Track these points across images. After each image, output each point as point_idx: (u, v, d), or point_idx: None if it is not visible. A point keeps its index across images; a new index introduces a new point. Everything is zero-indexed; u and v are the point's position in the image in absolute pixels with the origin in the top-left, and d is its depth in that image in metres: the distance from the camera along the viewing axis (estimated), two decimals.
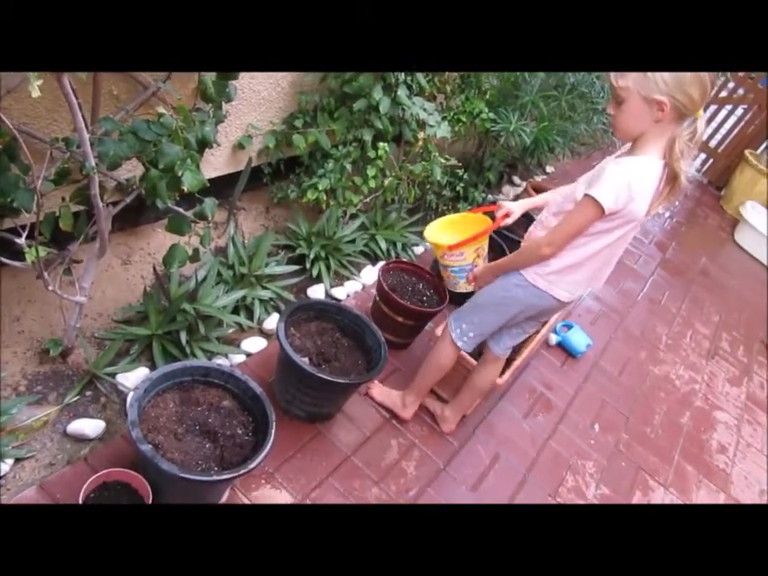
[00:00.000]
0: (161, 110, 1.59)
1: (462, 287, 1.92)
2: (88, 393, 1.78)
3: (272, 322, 2.22)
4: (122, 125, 1.53)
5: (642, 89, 1.41)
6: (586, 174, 1.63)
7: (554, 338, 2.90)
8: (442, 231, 1.98)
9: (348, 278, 2.65)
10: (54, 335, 1.81)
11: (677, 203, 5.37)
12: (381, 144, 2.49)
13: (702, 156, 6.26)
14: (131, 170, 1.93)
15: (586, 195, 1.51)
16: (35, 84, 1.15)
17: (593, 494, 2.31)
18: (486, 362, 2.03)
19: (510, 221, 1.87)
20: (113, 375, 1.82)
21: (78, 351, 1.83)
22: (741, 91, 5.91)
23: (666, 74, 1.37)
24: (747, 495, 2.69)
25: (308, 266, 2.52)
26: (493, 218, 1.93)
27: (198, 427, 1.60)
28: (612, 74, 1.46)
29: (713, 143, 6.19)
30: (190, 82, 1.94)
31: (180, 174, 1.50)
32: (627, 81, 1.42)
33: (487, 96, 3.04)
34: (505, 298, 1.78)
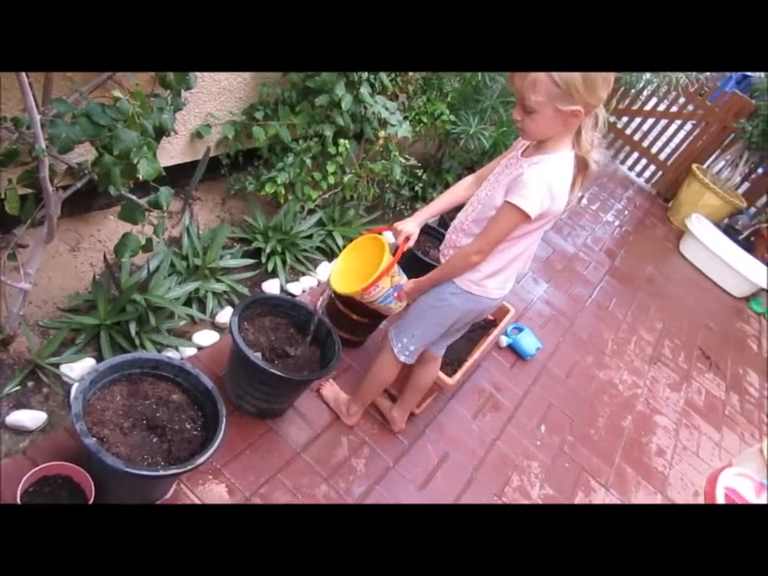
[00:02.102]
0: (117, 94, 1.54)
1: (396, 308, 1.86)
2: (30, 383, 1.72)
3: (225, 315, 2.18)
4: (75, 107, 1.48)
5: (556, 102, 1.39)
6: (500, 177, 1.61)
7: (504, 340, 2.95)
8: (344, 270, 1.85)
9: (304, 274, 2.63)
10: None
11: (626, 213, 5.54)
12: (341, 140, 2.49)
13: (652, 168, 6.46)
14: (83, 153, 1.86)
15: (508, 203, 1.51)
16: None
17: (537, 493, 2.37)
18: (425, 362, 2.02)
19: (410, 244, 1.80)
20: (57, 365, 1.76)
21: (20, 339, 1.77)
22: (690, 107, 6.13)
23: (579, 82, 1.35)
24: (683, 496, 2.79)
25: (264, 260, 2.49)
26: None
27: (145, 421, 1.57)
28: (525, 89, 1.40)
29: (662, 156, 6.39)
30: None
31: (135, 161, 1.46)
32: (540, 95, 1.39)
33: (449, 98, 3.07)
34: (442, 308, 1.78)
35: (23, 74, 1.24)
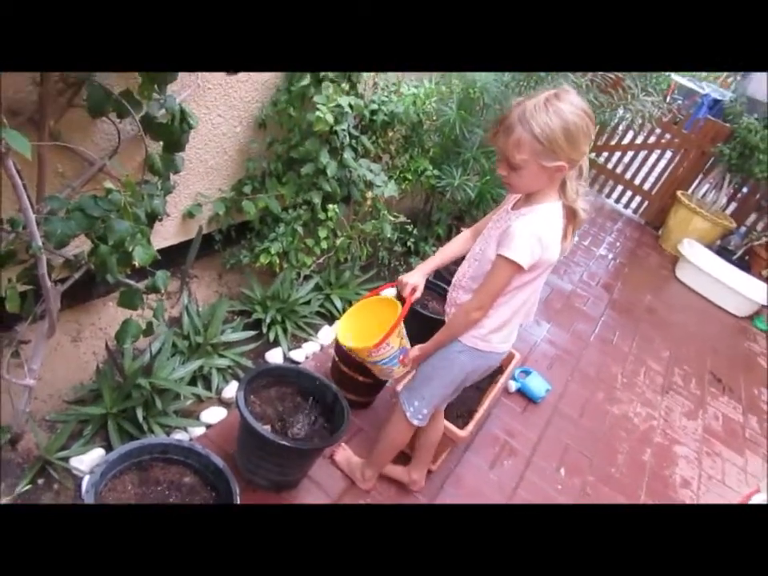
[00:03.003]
0: (108, 185, 1.59)
1: (398, 372, 1.82)
2: (40, 480, 1.70)
3: (231, 390, 2.18)
4: (68, 202, 1.51)
5: (540, 159, 1.43)
6: (491, 231, 1.64)
7: (513, 385, 2.93)
8: (350, 330, 1.82)
9: (306, 340, 2.64)
10: (2, 422, 1.74)
11: (618, 245, 5.59)
12: (330, 206, 2.54)
13: (638, 199, 6.56)
14: (79, 245, 1.90)
15: (500, 256, 1.53)
16: None
17: None
18: (431, 418, 1.97)
19: (418, 295, 1.79)
20: (66, 459, 1.75)
21: (28, 436, 1.76)
22: (668, 136, 6.27)
23: (561, 139, 1.40)
24: None
25: (264, 330, 2.50)
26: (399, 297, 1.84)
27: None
28: (510, 148, 1.44)
29: (646, 186, 6.50)
30: (136, 155, 1.95)
31: (130, 249, 1.48)
32: (524, 154, 1.43)
33: (430, 153, 3.15)
34: (450, 368, 1.77)
35: (16, 176, 1.28)
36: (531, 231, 1.50)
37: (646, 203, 6.50)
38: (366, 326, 1.79)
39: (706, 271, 5.15)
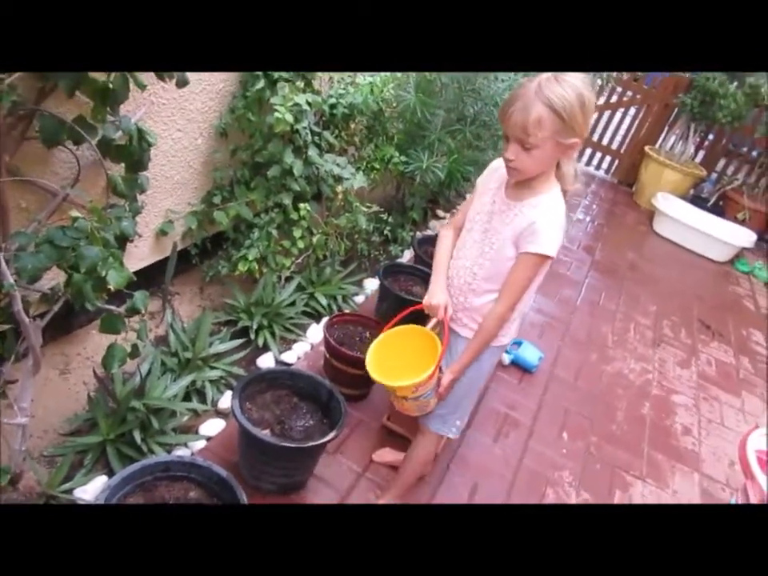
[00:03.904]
0: (74, 213, 1.58)
1: (432, 405, 1.68)
2: None
3: (226, 400, 2.18)
4: (36, 236, 1.51)
5: (559, 136, 1.39)
6: (496, 226, 1.56)
7: (506, 358, 2.95)
8: (382, 366, 1.64)
9: (295, 341, 2.64)
10: (0, 463, 1.73)
11: (594, 207, 5.62)
12: (302, 205, 2.53)
13: (608, 159, 6.60)
14: (54, 277, 1.89)
15: (530, 254, 1.49)
16: None
17: (575, 501, 2.33)
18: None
19: (450, 312, 1.65)
20: (70, 491, 1.74)
21: (28, 475, 1.75)
22: (629, 93, 6.31)
23: (578, 113, 1.36)
24: (719, 469, 2.77)
25: (253, 336, 2.50)
26: (415, 319, 1.71)
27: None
28: (530, 126, 1.37)
29: (615, 145, 6.55)
30: (99, 179, 1.93)
31: (104, 273, 1.48)
32: (545, 131, 1.37)
33: (395, 140, 3.15)
34: (483, 373, 1.76)
35: None
36: (557, 223, 1.49)
37: (617, 162, 6.55)
38: (389, 361, 1.65)
39: (683, 222, 5.21)
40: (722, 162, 6.32)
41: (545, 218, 1.48)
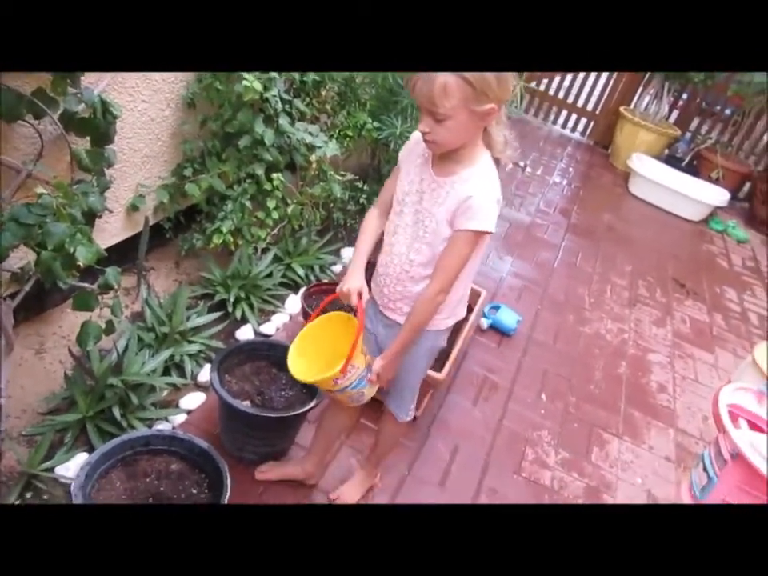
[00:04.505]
0: (39, 190, 1.55)
1: (369, 394, 1.59)
2: (28, 494, 1.70)
3: (206, 374, 2.18)
4: (0, 214, 1.48)
5: (471, 103, 1.29)
6: (427, 206, 1.46)
7: (484, 322, 2.98)
8: (304, 360, 1.56)
9: (273, 312, 2.63)
10: None
11: (570, 169, 5.63)
12: (275, 175, 2.50)
13: (583, 120, 6.59)
14: (23, 256, 1.86)
15: (467, 231, 1.40)
16: None
17: (554, 460, 2.39)
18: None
19: (367, 297, 1.53)
20: (51, 470, 1.74)
21: (8, 455, 1.74)
22: None
23: (492, 78, 1.27)
24: (693, 424, 2.84)
25: (230, 309, 2.49)
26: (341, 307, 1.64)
27: (150, 499, 1.56)
28: (436, 96, 1.27)
29: (590, 107, 6.53)
30: (63, 155, 1.89)
31: (72, 250, 1.46)
32: (453, 100, 1.27)
33: (368, 107, 3.11)
34: (426, 358, 1.70)
35: None
36: (493, 197, 1.41)
37: (592, 124, 6.54)
38: (318, 353, 1.57)
39: (658, 182, 5.24)
40: (695, 122, 6.34)
41: (479, 192, 1.39)
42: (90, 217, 1.70)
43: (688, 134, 6.23)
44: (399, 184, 1.54)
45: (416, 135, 1.51)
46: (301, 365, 1.54)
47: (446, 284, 1.47)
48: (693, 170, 5.77)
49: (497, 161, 1.46)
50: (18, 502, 1.66)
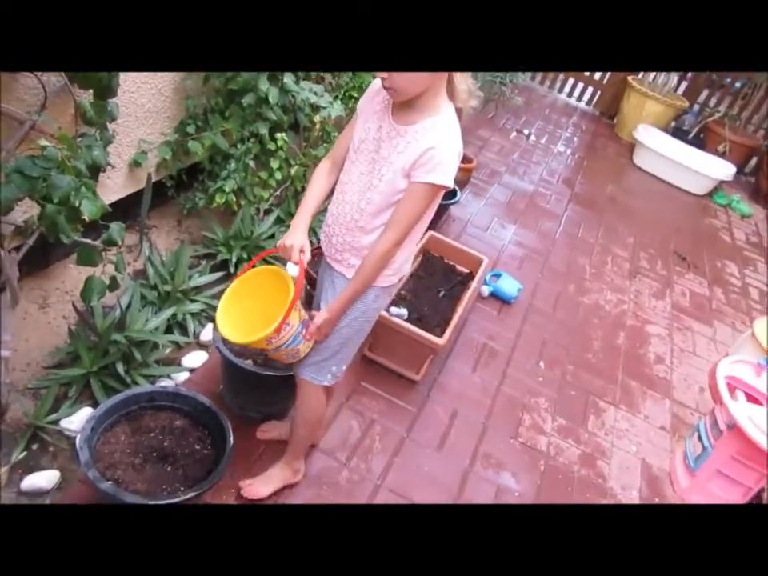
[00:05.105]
0: (43, 142, 1.53)
1: (304, 350, 1.53)
2: (34, 446, 1.72)
3: (208, 333, 2.19)
4: (5, 166, 1.46)
5: None
6: (384, 155, 1.39)
7: (485, 290, 2.98)
8: (232, 320, 1.49)
9: None
10: None
11: (575, 139, 5.58)
12: (278, 135, 2.48)
13: (590, 90, 6.50)
14: (26, 210, 1.84)
15: (426, 184, 1.35)
16: None
17: (550, 427, 2.42)
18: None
19: (308, 255, 1.47)
20: (56, 422, 1.76)
21: (14, 407, 1.76)
22: None
23: None
24: (689, 395, 2.87)
25: (232, 270, 2.49)
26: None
27: (155, 453, 1.58)
28: None
29: (597, 76, 6.43)
30: (67, 107, 1.86)
31: (77, 203, 1.45)
32: None
33: None
34: (368, 319, 1.59)
35: None
36: (454, 149, 1.36)
37: (599, 93, 6.45)
38: (248, 309, 1.50)
39: (663, 154, 5.19)
40: (704, 93, 6.26)
41: (441, 144, 1.33)
42: (95, 171, 1.68)
43: (696, 107, 6.16)
44: (356, 132, 1.47)
45: (376, 83, 1.45)
46: (231, 324, 1.47)
47: (400, 236, 1.42)
48: (699, 142, 5.72)
49: (459, 111, 1.41)
50: (23, 454, 1.68)
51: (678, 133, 5.78)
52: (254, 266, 1.54)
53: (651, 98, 5.62)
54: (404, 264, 1.56)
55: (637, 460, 2.42)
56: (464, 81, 1.36)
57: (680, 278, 3.89)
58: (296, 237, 1.46)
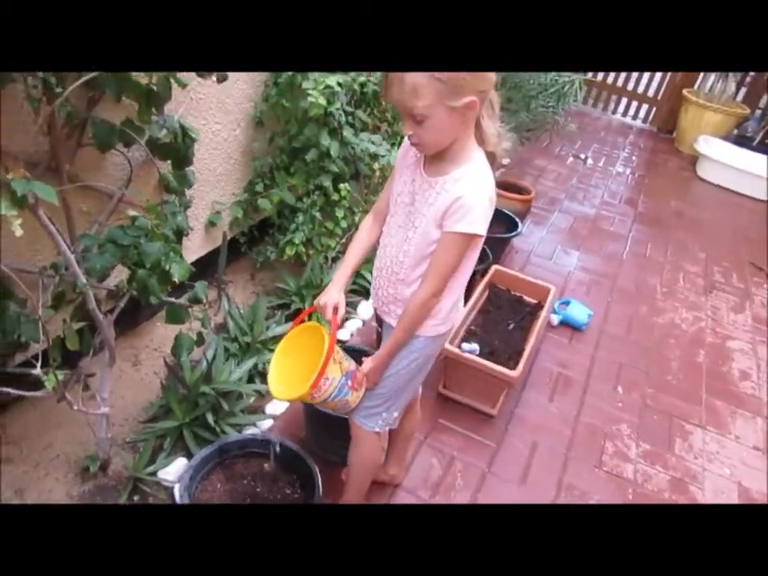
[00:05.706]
0: (131, 212, 1.67)
1: (354, 400, 1.55)
2: (135, 497, 1.83)
3: None
4: (99, 237, 1.60)
5: (446, 99, 1.24)
6: (418, 207, 1.41)
7: (555, 318, 2.97)
8: (283, 376, 1.53)
9: (347, 318, 2.71)
10: (88, 452, 1.86)
11: (634, 158, 5.50)
12: (342, 185, 2.59)
13: (645, 107, 6.42)
14: (117, 275, 1.99)
15: (456, 233, 1.35)
16: (16, 224, 1.22)
17: (635, 453, 2.36)
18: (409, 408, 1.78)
19: (342, 312, 1.52)
20: (154, 474, 1.87)
21: (115, 460, 1.88)
22: None
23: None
24: None
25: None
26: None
27: (248, 499, 1.65)
28: (407, 99, 1.24)
29: (651, 93, 6.36)
30: (150, 178, 2.02)
31: (168, 267, 1.57)
32: (426, 99, 1.23)
33: None
34: (419, 365, 1.57)
35: (50, 224, 1.37)
36: (486, 197, 1.35)
37: (654, 109, 6.37)
38: (302, 361, 1.52)
39: (727, 163, 5.07)
40: (765, 98, 6.08)
41: (471, 192, 1.32)
42: (179, 235, 1.81)
43: (758, 112, 5.98)
44: (394, 186, 1.51)
45: None
46: (279, 380, 1.52)
47: (437, 287, 1.42)
48: (765, 148, 5.53)
49: (492, 155, 1.41)
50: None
51: (742, 140, 5.62)
52: (302, 322, 1.60)
53: (709, 108, 5.51)
54: (451, 313, 1.55)
55: (732, 484, 2.33)
56: (492, 125, 1.38)
57: (758, 289, 3.74)
58: (331, 295, 1.52)
